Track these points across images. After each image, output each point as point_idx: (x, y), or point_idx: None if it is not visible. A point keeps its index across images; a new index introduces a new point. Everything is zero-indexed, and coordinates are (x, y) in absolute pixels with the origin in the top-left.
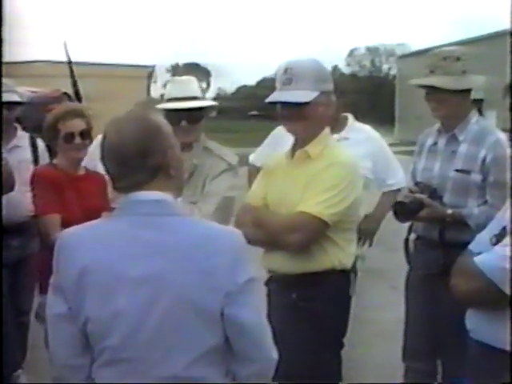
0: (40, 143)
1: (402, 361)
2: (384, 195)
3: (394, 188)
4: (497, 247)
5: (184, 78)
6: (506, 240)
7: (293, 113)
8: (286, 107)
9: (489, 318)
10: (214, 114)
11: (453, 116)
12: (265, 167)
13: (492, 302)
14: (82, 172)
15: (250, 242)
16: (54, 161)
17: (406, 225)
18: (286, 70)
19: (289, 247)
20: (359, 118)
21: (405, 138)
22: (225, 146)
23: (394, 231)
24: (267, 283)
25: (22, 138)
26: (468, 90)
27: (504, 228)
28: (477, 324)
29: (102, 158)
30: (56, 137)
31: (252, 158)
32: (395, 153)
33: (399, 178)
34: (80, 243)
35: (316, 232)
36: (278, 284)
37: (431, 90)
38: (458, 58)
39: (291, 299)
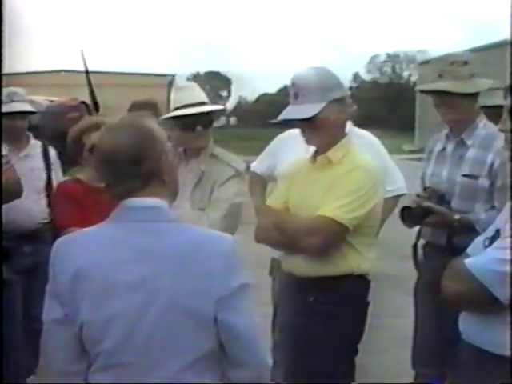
0: (52, 151)
1: (411, 367)
2: (383, 201)
3: (394, 194)
4: (488, 249)
5: (188, 84)
6: (498, 242)
7: (305, 126)
8: (299, 121)
9: (480, 322)
10: (234, 121)
11: (462, 120)
12: (286, 172)
13: (482, 304)
14: None
15: (270, 244)
16: (78, 175)
17: None
18: (292, 85)
19: (307, 250)
20: (380, 124)
21: (424, 145)
22: (245, 154)
23: (409, 238)
24: (284, 287)
25: (35, 146)
26: (475, 94)
27: (497, 231)
28: (469, 327)
29: (96, 165)
30: (80, 149)
31: (253, 165)
32: (415, 159)
33: (399, 184)
34: (74, 249)
35: (335, 236)
36: (295, 286)
37: (440, 94)
38: (466, 62)
39: (308, 302)
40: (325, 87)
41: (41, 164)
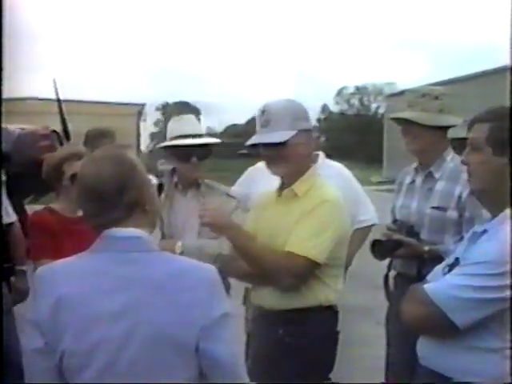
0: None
1: None
2: (356, 232)
3: (366, 224)
4: (447, 276)
5: (187, 116)
6: (457, 269)
7: (273, 154)
8: (266, 149)
9: (437, 346)
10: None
11: (426, 151)
12: (254, 204)
13: (439, 329)
14: (80, 213)
15: (236, 276)
16: (52, 204)
17: None
18: (263, 112)
19: (280, 287)
20: (348, 156)
21: (393, 176)
22: None
23: (381, 268)
24: (254, 319)
25: None
26: (444, 128)
27: (457, 259)
28: (426, 351)
29: (78, 196)
30: (59, 178)
31: None
32: (383, 191)
33: (370, 214)
34: (55, 278)
35: (308, 274)
36: (265, 319)
37: (407, 124)
38: (437, 97)
39: (278, 335)
40: (295, 116)
41: None
